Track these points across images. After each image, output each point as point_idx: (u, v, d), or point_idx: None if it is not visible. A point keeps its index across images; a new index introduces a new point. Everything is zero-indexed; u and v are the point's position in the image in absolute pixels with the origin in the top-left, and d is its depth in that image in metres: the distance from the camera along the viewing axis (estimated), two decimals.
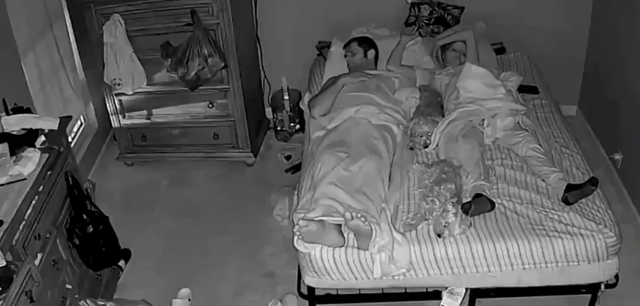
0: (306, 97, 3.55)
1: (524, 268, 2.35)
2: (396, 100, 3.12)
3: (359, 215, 2.23)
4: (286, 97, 4.01)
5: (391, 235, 2.30)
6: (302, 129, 4.04)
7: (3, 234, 2.00)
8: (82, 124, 3.91)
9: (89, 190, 2.77)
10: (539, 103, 3.22)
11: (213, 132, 3.80)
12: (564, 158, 2.75)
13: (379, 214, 2.38)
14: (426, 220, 2.42)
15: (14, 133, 2.45)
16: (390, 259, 2.29)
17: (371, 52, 3.41)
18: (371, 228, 2.25)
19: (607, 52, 3.63)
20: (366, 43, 3.44)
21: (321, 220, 2.32)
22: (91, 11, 3.40)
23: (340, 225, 2.35)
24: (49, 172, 2.40)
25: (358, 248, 2.33)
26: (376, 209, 2.39)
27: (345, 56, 3.45)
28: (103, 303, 2.59)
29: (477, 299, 2.52)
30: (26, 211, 2.19)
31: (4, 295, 1.92)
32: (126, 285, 3.01)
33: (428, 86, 3.30)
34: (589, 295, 2.50)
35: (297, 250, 2.40)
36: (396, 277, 2.37)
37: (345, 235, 2.36)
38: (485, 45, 3.68)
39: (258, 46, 4.04)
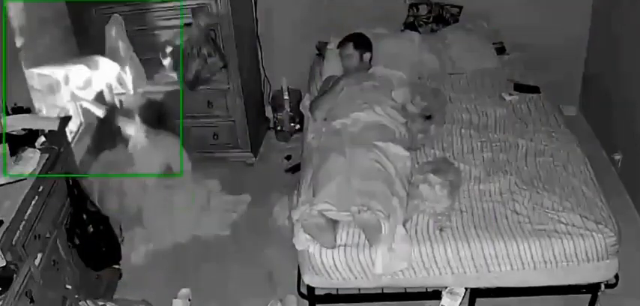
0: (306, 99, 3.54)
1: (524, 268, 2.34)
2: (394, 99, 3.12)
3: (366, 209, 2.27)
4: (286, 97, 4.00)
5: (394, 229, 2.31)
6: (302, 129, 4.02)
7: (3, 234, 1.99)
8: (81, 123, 3.90)
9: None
10: (539, 103, 3.22)
11: (213, 132, 3.79)
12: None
13: (384, 208, 2.37)
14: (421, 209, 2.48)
15: (14, 133, 2.45)
16: (391, 252, 2.30)
17: (366, 55, 3.37)
18: (380, 222, 2.27)
19: (607, 52, 3.63)
20: (362, 45, 3.37)
21: (326, 216, 2.33)
22: (91, 11, 3.40)
23: (336, 227, 2.37)
24: (49, 172, 2.39)
25: (368, 240, 2.34)
26: (380, 203, 2.38)
27: (341, 58, 3.41)
28: (103, 303, 2.59)
29: (477, 299, 2.52)
30: (26, 211, 2.19)
31: (4, 295, 1.92)
32: (126, 285, 3.01)
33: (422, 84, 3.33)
34: (589, 295, 2.50)
35: (296, 248, 2.41)
36: (396, 277, 2.37)
37: (338, 238, 2.37)
38: (486, 44, 3.69)
39: (258, 46, 4.04)
